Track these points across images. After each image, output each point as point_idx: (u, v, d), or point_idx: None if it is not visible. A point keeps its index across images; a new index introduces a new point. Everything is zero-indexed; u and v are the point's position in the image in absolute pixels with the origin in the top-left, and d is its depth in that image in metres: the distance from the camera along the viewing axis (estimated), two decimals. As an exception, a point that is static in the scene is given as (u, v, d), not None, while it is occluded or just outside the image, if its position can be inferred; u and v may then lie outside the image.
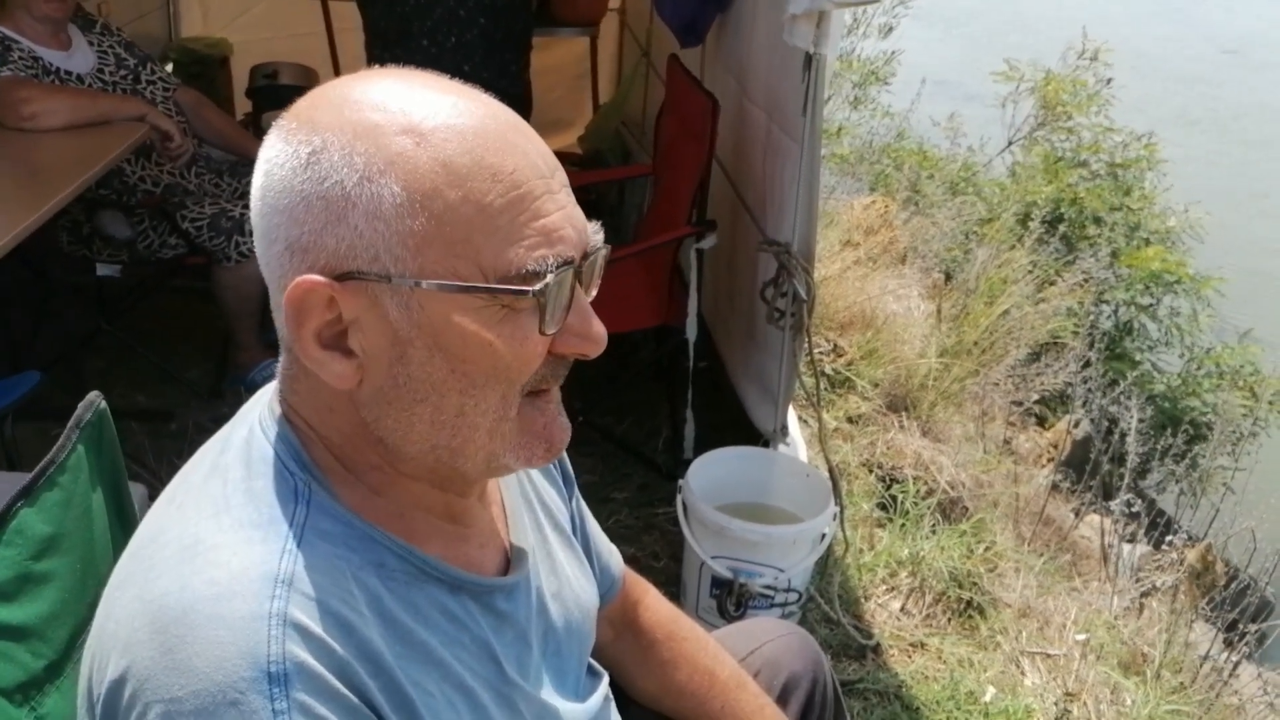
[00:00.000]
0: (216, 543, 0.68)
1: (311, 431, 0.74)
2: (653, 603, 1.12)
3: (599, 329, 0.74)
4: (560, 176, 0.72)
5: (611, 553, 1.08)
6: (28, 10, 2.57)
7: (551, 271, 0.68)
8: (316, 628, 0.65)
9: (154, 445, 2.32)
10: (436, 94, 0.70)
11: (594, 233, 0.74)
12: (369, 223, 0.66)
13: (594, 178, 3.71)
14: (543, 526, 0.93)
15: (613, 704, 1.01)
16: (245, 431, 0.76)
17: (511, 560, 0.84)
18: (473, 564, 0.80)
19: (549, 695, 0.86)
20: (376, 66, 0.76)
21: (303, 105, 0.71)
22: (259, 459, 0.73)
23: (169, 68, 3.46)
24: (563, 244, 0.69)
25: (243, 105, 3.92)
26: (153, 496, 0.80)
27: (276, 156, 0.69)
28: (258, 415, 0.77)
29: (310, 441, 0.74)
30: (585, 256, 0.72)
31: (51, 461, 0.99)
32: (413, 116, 0.68)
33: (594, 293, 0.75)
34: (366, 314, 0.68)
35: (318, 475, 0.73)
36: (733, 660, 1.11)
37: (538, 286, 0.67)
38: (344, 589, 0.69)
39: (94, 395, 1.07)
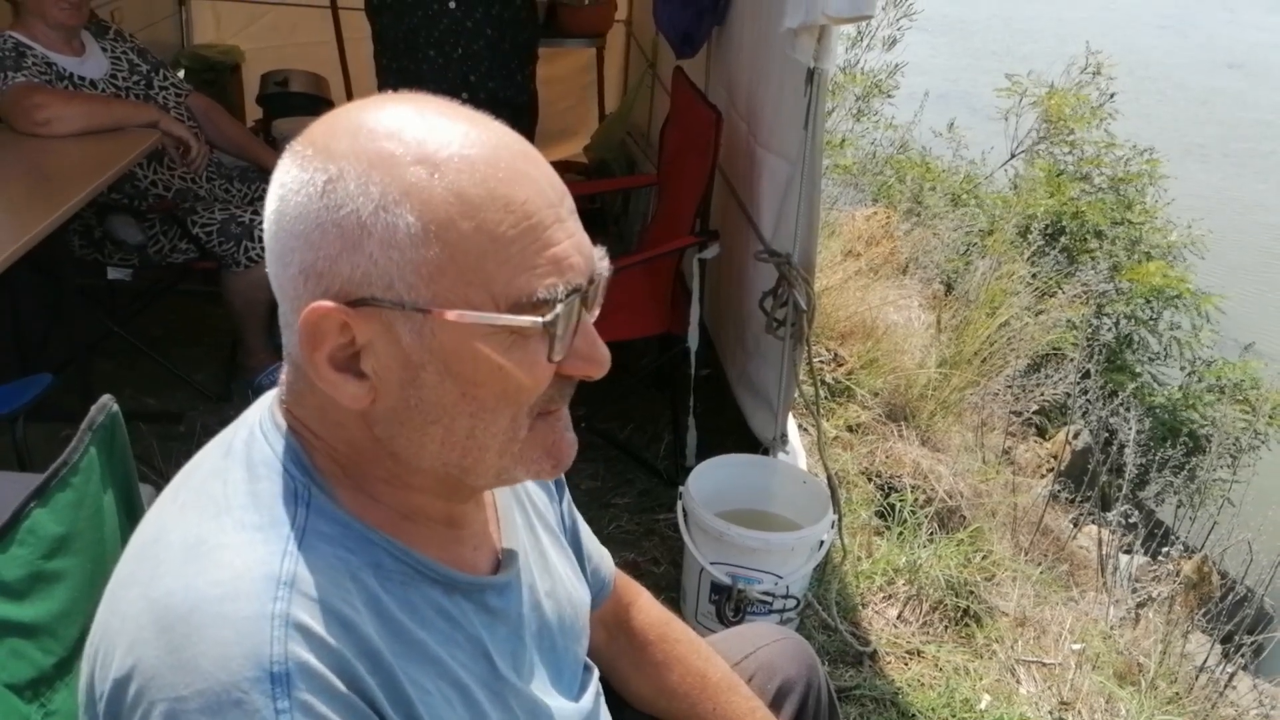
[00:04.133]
0: (220, 543, 0.70)
1: (316, 439, 0.76)
2: (645, 605, 1.14)
3: (603, 352, 0.76)
4: (568, 203, 0.73)
5: (603, 556, 1.10)
6: (42, 17, 2.60)
7: (561, 300, 0.70)
8: (318, 628, 0.67)
9: (163, 447, 2.34)
10: (449, 122, 0.71)
11: (599, 258, 0.75)
12: (384, 251, 0.68)
13: (599, 187, 3.74)
14: (534, 526, 0.95)
15: (603, 700, 1.03)
16: (246, 435, 0.78)
17: (503, 559, 0.86)
18: (465, 564, 0.82)
19: (542, 692, 0.88)
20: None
21: (318, 131, 0.72)
22: (260, 462, 0.75)
23: (181, 74, 3.49)
24: (572, 271, 0.71)
25: (253, 112, 3.96)
26: (161, 497, 0.83)
27: (292, 182, 0.70)
28: (258, 420, 0.78)
29: (313, 448, 0.76)
30: (591, 281, 0.74)
31: (64, 463, 1.02)
32: (427, 147, 0.69)
33: (596, 313, 0.77)
34: (379, 339, 0.70)
35: (318, 479, 0.75)
36: (725, 663, 1.12)
37: (549, 316, 0.70)
38: (343, 589, 0.71)
39: (106, 398, 1.10)
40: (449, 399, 0.71)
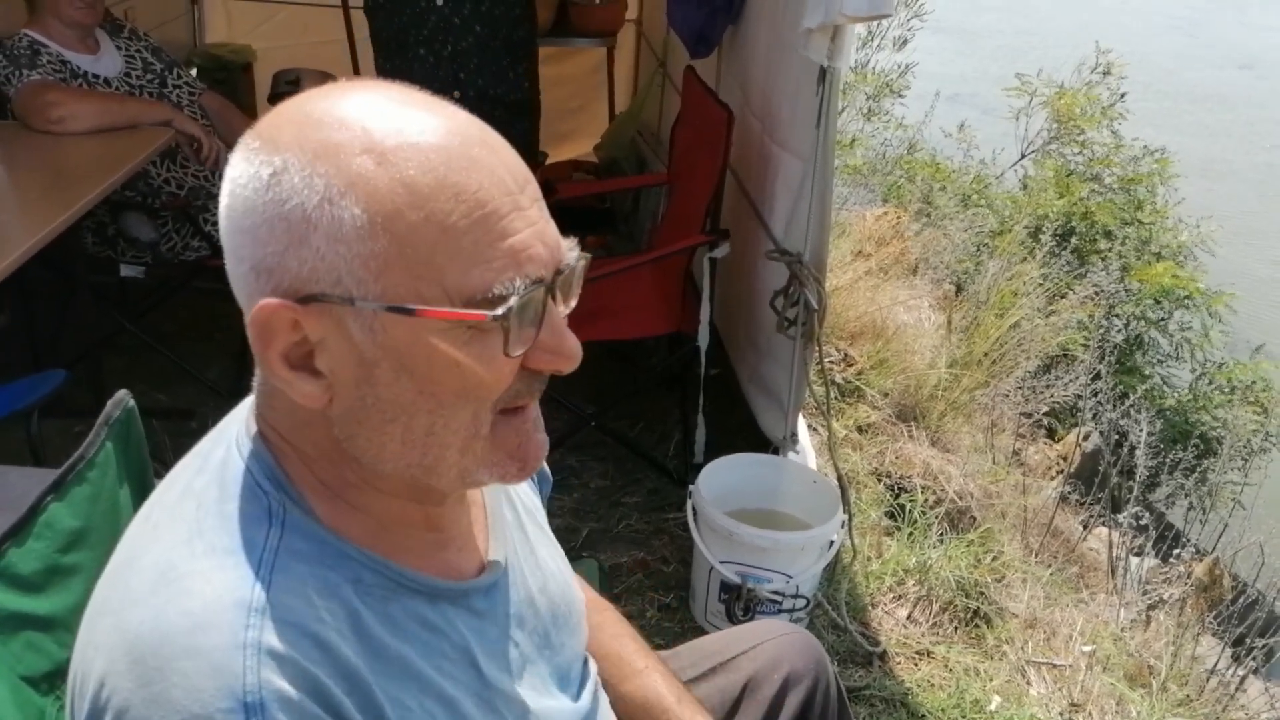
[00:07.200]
0: (190, 570, 0.68)
1: (288, 447, 0.74)
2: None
3: (572, 344, 0.72)
4: (531, 191, 0.70)
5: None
6: (57, 15, 2.62)
7: (518, 294, 0.67)
8: (292, 652, 0.66)
9: (174, 443, 2.33)
10: (399, 108, 0.68)
11: (569, 249, 0.72)
12: (330, 245, 0.66)
13: (609, 186, 3.75)
14: (524, 524, 0.93)
15: (603, 696, 1.02)
16: (222, 451, 0.76)
17: (490, 559, 0.85)
18: (451, 569, 0.80)
19: (537, 693, 0.87)
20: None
21: (265, 123, 0.70)
22: (232, 479, 0.73)
23: (193, 73, 3.51)
24: (531, 263, 0.68)
25: (265, 111, 3.96)
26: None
27: (239, 176, 0.69)
28: (234, 433, 0.77)
29: (286, 457, 0.74)
30: (559, 273, 0.70)
31: (80, 457, 1.03)
32: (374, 135, 0.66)
33: (572, 304, 0.74)
34: (331, 336, 0.68)
35: (292, 493, 0.73)
36: (645, 646, 1.12)
37: (500, 311, 0.66)
38: (319, 608, 0.69)
39: (123, 393, 1.11)
40: (405, 396, 0.69)
